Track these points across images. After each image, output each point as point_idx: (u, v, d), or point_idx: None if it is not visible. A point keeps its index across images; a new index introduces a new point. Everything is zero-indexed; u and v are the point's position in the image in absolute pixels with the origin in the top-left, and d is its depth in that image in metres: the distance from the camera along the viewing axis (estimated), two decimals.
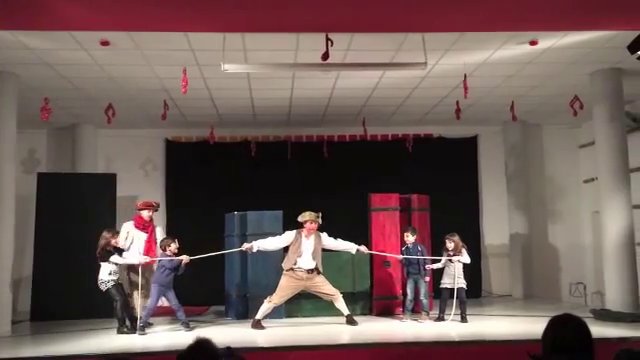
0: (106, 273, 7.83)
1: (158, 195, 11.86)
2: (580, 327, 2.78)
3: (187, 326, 7.80)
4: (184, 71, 7.47)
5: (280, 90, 9.53)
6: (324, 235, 8.19)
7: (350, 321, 8.00)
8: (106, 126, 10.05)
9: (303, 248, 8.00)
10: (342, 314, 8.08)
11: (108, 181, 10.50)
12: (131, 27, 6.70)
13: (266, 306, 7.98)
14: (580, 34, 7.36)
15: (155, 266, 8.05)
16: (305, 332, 7.68)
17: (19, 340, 7.69)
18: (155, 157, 12.05)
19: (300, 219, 8.08)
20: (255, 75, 8.56)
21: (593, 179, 10.58)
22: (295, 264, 7.95)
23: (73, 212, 9.93)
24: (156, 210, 8.54)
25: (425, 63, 7.39)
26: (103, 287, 7.82)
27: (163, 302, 10.02)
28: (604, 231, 8.92)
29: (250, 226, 9.13)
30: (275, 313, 8.74)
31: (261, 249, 8.10)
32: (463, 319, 8.11)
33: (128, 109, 10.06)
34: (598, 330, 6.53)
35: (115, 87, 9.02)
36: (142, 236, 8.23)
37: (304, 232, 8.06)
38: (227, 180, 11.48)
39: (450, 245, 8.30)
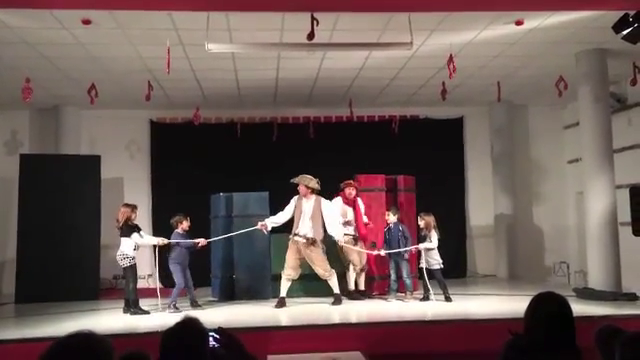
0: (130, 248, 7.74)
1: (143, 177, 11.82)
2: (561, 304, 2.80)
3: (197, 305, 7.95)
4: (168, 51, 7.38)
5: (266, 71, 9.45)
6: (325, 202, 8.22)
7: (335, 299, 8.05)
8: (90, 107, 9.93)
9: (304, 209, 8.09)
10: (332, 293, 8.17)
11: (92, 163, 10.40)
12: (113, 5, 6.60)
13: (284, 282, 8.10)
14: (566, 14, 7.36)
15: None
16: (292, 312, 7.71)
17: (3, 322, 7.64)
18: (140, 138, 11.93)
19: (293, 180, 8.18)
20: (240, 55, 8.48)
21: (577, 160, 10.66)
22: (297, 229, 8.05)
23: (57, 194, 9.85)
24: (356, 188, 8.70)
25: (411, 43, 7.37)
26: (126, 262, 7.72)
27: (149, 284, 10.10)
28: (588, 211, 9.00)
29: (236, 207, 9.13)
30: (262, 293, 8.80)
31: (275, 224, 8.24)
32: (447, 299, 8.17)
33: (111, 90, 9.93)
34: (581, 308, 6.63)
35: (98, 67, 8.89)
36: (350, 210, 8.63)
37: (300, 194, 8.18)
38: (213, 161, 11.42)
39: (421, 223, 8.36)
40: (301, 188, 8.15)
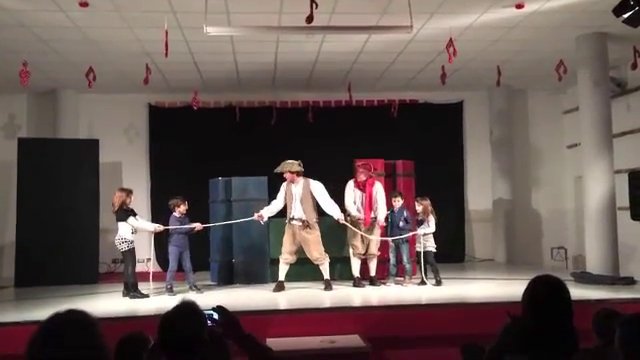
0: (128, 232, 7.78)
1: (142, 161, 11.80)
2: (559, 287, 2.80)
3: (197, 289, 7.96)
4: (166, 34, 7.33)
5: (264, 54, 9.40)
6: (315, 184, 8.17)
7: (326, 285, 8.07)
8: (88, 91, 9.89)
9: (294, 193, 8.10)
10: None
11: (90, 147, 10.38)
12: None
13: (282, 266, 8.14)
14: None
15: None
16: (290, 296, 7.74)
17: (3, 306, 7.67)
18: (138, 122, 11.90)
19: (276, 170, 8.18)
20: (239, 38, 8.43)
21: (576, 145, 10.65)
22: (291, 213, 8.08)
23: (55, 178, 9.85)
24: (365, 172, 8.45)
25: (411, 27, 7.30)
26: (125, 246, 7.76)
27: (148, 268, 10.12)
28: (586, 196, 9.01)
29: (235, 192, 9.13)
30: (261, 277, 8.82)
31: (271, 213, 8.25)
32: (438, 282, 8.21)
33: (109, 73, 9.88)
34: (578, 292, 6.64)
35: (95, 50, 8.83)
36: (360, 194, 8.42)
37: (287, 180, 8.18)
38: (211, 146, 11.41)
39: (418, 208, 8.36)
40: (287, 175, 8.13)
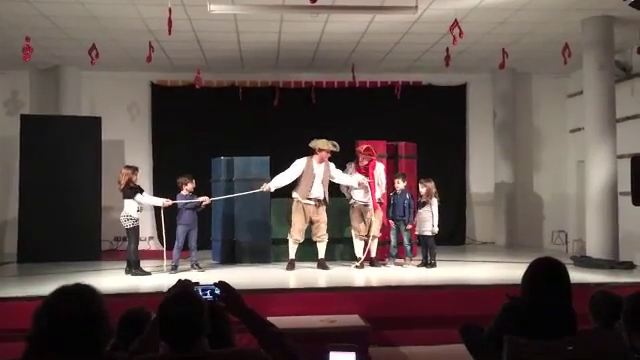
0: (134, 210, 7.79)
1: (144, 139, 11.80)
2: (559, 269, 2.83)
3: (199, 267, 8.01)
4: (169, 12, 7.28)
5: (268, 33, 9.35)
6: (332, 165, 8.25)
7: (322, 265, 8.13)
8: (90, 68, 9.86)
9: (316, 173, 8.07)
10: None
11: (93, 124, 10.37)
12: None
13: (292, 245, 8.15)
14: None
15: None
16: (292, 275, 7.79)
17: (6, 280, 7.73)
18: (141, 101, 11.88)
19: (312, 145, 8.10)
20: (242, 17, 8.37)
21: (580, 129, 10.62)
22: (309, 192, 8.02)
23: (57, 155, 9.85)
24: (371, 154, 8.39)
25: (416, 7, 7.27)
26: (130, 224, 7.78)
27: (150, 246, 10.19)
28: (588, 180, 9.01)
29: (237, 171, 9.14)
30: (263, 257, 8.86)
31: (278, 187, 8.19)
32: (431, 265, 8.24)
33: (112, 50, 9.84)
34: (577, 275, 6.67)
35: (98, 27, 8.79)
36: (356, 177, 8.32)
37: (316, 158, 8.11)
38: (213, 125, 11.39)
39: (422, 190, 8.35)
40: (323, 154, 8.06)
